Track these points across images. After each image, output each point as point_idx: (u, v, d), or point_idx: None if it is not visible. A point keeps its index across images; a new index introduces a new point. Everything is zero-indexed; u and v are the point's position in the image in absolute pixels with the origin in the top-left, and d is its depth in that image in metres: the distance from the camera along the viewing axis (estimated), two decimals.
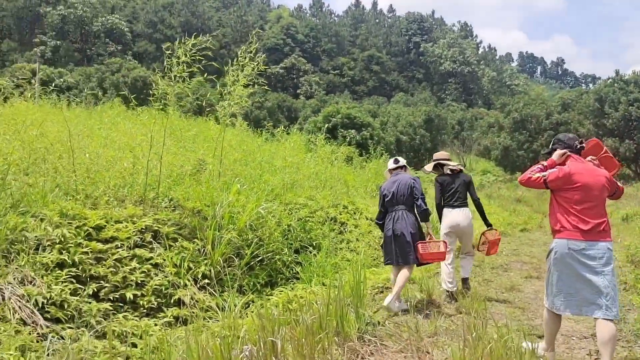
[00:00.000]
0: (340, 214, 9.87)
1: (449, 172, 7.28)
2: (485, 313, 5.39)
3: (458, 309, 6.19)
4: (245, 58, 7.82)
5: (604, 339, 4.12)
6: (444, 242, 6.47)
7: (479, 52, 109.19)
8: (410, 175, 6.62)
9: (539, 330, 5.21)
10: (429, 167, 7.69)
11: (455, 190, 7.11)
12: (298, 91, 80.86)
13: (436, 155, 7.70)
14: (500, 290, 7.53)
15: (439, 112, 46.80)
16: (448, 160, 7.53)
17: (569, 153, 4.59)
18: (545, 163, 4.65)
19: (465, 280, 7.11)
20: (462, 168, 7.43)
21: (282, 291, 6.44)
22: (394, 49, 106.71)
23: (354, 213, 10.26)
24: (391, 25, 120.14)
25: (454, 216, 7.02)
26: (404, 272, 6.24)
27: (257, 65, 7.89)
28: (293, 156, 11.80)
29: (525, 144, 36.08)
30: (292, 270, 7.40)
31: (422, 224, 6.45)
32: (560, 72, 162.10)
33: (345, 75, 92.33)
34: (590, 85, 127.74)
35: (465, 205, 7.12)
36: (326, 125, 26.40)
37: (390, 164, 6.89)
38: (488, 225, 7.36)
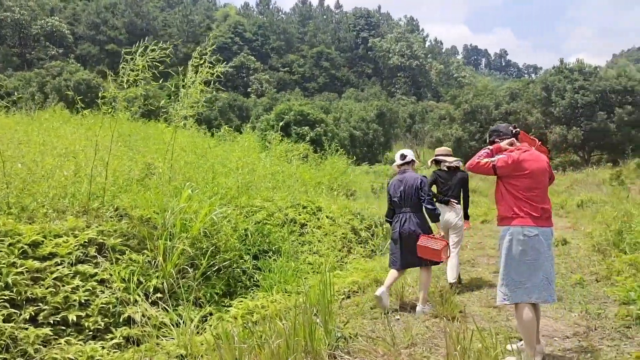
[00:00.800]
0: (300, 215, 9.45)
1: (445, 168, 7.59)
2: (463, 317, 5.08)
3: (433, 311, 5.88)
4: (201, 59, 7.36)
5: (538, 319, 4.37)
6: (446, 242, 6.31)
7: (426, 46, 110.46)
8: (417, 175, 6.45)
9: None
10: (430, 161, 8.10)
11: (450, 187, 7.48)
12: (249, 90, 79.93)
13: (437, 151, 8.14)
14: (471, 288, 7.29)
15: (390, 106, 46.81)
16: (447, 155, 7.83)
17: (515, 142, 4.67)
18: (491, 147, 4.65)
19: (452, 284, 7.05)
20: (458, 165, 7.62)
21: (241, 301, 6.02)
22: (343, 45, 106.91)
23: (315, 213, 9.86)
24: (339, 21, 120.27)
25: (445, 213, 7.30)
26: (424, 275, 6.23)
27: (215, 70, 7.48)
28: (247, 156, 11.30)
29: (477, 134, 36.39)
30: (252, 278, 6.98)
31: (432, 224, 6.42)
32: (503, 64, 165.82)
33: (295, 72, 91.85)
34: (533, 75, 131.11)
35: (457, 202, 7.47)
36: (279, 123, 25.98)
37: (397, 160, 6.69)
38: (466, 217, 7.69)
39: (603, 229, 9.95)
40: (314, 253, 8.60)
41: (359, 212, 11.03)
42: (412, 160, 6.62)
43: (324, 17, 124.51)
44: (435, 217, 6.28)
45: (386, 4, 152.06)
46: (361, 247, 9.91)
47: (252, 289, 6.77)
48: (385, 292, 6.04)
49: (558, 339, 4.91)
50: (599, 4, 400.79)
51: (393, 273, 6.32)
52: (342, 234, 9.73)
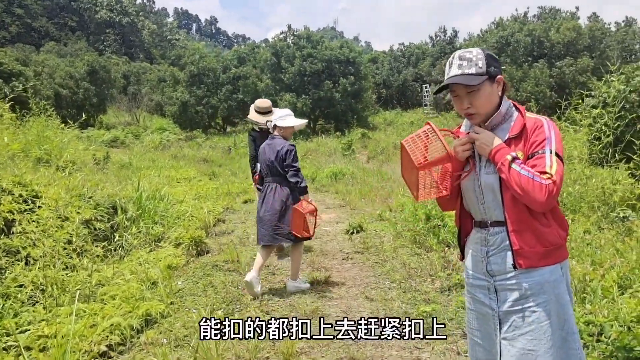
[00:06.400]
0: (2, 205, 6.00)
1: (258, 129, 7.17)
2: None
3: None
4: None
5: None
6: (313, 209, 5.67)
7: (137, 3, 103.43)
8: (284, 142, 5.76)
9: None
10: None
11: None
12: None
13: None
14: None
15: (104, 64, 41.38)
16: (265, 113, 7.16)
17: None
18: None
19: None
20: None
21: None
22: None
23: (29, 201, 6.41)
24: None
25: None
26: (294, 250, 5.77)
27: None
28: None
29: (204, 98, 33.83)
30: None
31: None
32: (214, 31, 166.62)
33: None
34: (242, 45, 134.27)
35: None
36: None
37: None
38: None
39: (400, 212, 8.54)
40: (30, 267, 5.41)
41: (90, 196, 7.83)
42: (285, 127, 5.89)
43: None
44: (301, 190, 5.66)
45: None
46: (99, 246, 6.87)
47: None
48: (256, 277, 5.47)
49: None
50: None
51: (260, 252, 5.72)
52: (72, 230, 6.54)
